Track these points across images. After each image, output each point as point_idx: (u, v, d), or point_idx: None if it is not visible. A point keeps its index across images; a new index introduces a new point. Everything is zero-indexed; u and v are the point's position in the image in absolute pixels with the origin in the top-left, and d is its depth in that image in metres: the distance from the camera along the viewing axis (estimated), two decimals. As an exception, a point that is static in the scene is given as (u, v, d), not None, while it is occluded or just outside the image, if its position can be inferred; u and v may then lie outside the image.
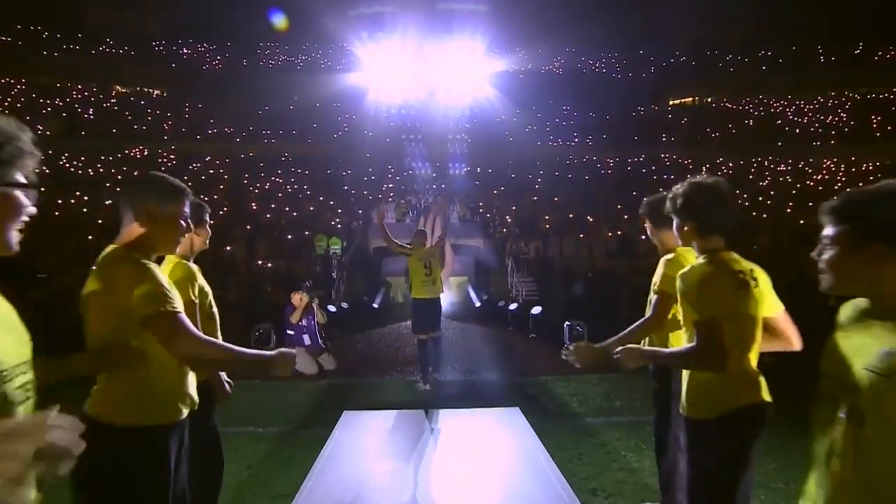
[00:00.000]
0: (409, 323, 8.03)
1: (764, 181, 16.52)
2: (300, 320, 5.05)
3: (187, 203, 1.27)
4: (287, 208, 11.78)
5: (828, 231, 0.88)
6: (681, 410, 1.49)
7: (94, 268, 1.13)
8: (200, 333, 1.12)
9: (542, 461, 2.66)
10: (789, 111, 20.88)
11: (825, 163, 17.67)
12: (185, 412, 1.17)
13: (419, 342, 4.33)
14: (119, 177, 13.13)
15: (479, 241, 12.13)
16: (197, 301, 1.48)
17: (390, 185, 14.10)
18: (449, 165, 15.23)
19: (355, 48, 18.71)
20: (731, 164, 18.03)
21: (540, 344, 6.10)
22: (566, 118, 19.22)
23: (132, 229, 1.21)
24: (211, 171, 15.78)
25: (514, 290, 9.25)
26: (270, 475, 2.68)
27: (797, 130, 19.30)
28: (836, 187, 16.23)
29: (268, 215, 11.37)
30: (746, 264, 1.46)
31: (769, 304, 1.44)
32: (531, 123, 17.59)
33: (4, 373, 0.66)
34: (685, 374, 1.48)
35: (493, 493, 2.27)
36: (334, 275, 9.54)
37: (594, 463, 2.78)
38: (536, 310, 6.90)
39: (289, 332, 5.06)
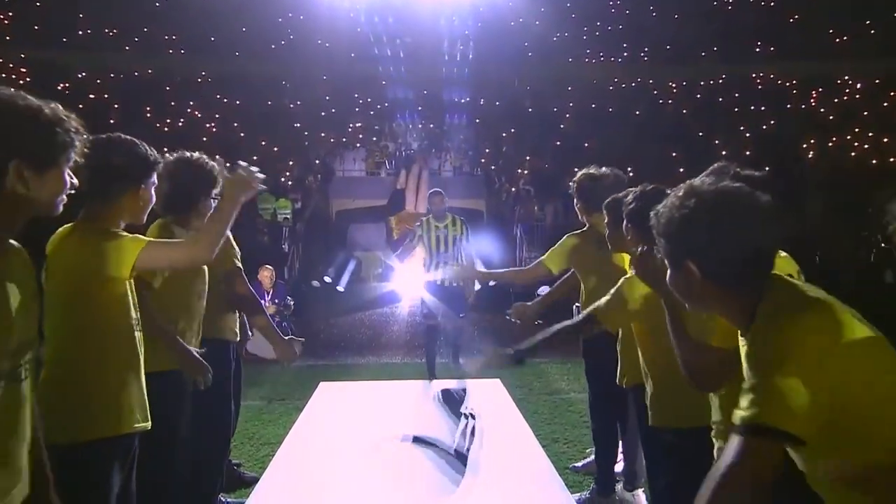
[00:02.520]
0: (385, 310, 9.83)
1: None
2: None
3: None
4: (217, 156, 13.35)
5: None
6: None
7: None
8: None
9: (514, 420, 4.46)
10: None
11: None
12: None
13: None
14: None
15: (482, 203, 13.79)
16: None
17: (358, 124, 15.53)
18: (441, 94, 16.56)
19: None
20: (858, 86, 18.72)
21: (542, 329, 7.89)
22: (612, 20, 20.27)
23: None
24: (91, 96, 16.65)
25: (523, 266, 10.97)
26: (256, 431, 4.49)
27: None
28: None
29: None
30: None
31: None
32: (561, 30, 18.75)
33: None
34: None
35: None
36: (285, 247, 11.20)
37: (563, 423, 4.60)
38: (543, 290, 8.65)
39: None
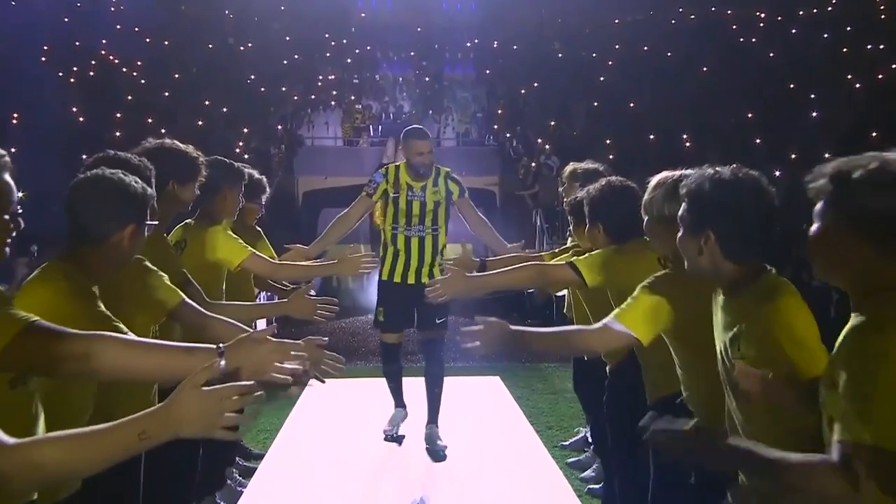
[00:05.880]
0: (369, 317, 12.24)
1: None
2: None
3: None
4: (149, 119, 15.75)
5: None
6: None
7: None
8: None
9: (510, 410, 6.89)
10: None
11: None
12: None
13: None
14: None
15: (494, 181, 16.13)
16: None
17: (330, 77, 17.90)
18: (441, 34, 18.67)
19: None
20: None
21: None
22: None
23: None
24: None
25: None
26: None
27: None
28: None
29: (117, 133, 15.34)
30: None
31: None
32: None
33: None
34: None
35: (460, 434, 6.45)
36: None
37: (560, 415, 7.02)
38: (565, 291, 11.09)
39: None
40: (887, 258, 1.84)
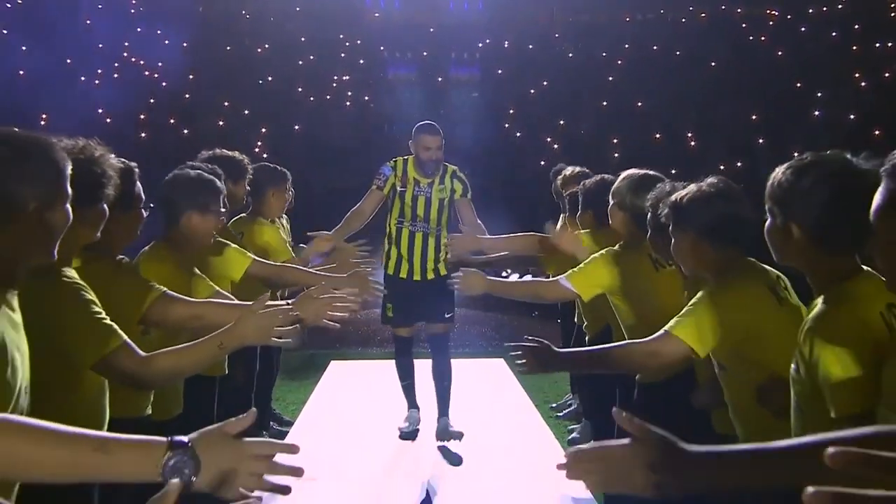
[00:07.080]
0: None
1: None
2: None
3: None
4: (171, 120, 16.82)
5: None
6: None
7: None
8: None
9: (512, 386, 7.92)
10: None
11: None
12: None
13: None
14: None
15: (502, 179, 17.05)
16: None
17: (345, 78, 19.01)
18: (452, 34, 19.51)
19: None
20: None
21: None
22: None
23: None
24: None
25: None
26: (280, 396, 7.96)
27: None
28: None
29: (142, 135, 16.43)
30: None
31: None
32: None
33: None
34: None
35: (470, 409, 7.48)
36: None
37: (558, 391, 8.01)
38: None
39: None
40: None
